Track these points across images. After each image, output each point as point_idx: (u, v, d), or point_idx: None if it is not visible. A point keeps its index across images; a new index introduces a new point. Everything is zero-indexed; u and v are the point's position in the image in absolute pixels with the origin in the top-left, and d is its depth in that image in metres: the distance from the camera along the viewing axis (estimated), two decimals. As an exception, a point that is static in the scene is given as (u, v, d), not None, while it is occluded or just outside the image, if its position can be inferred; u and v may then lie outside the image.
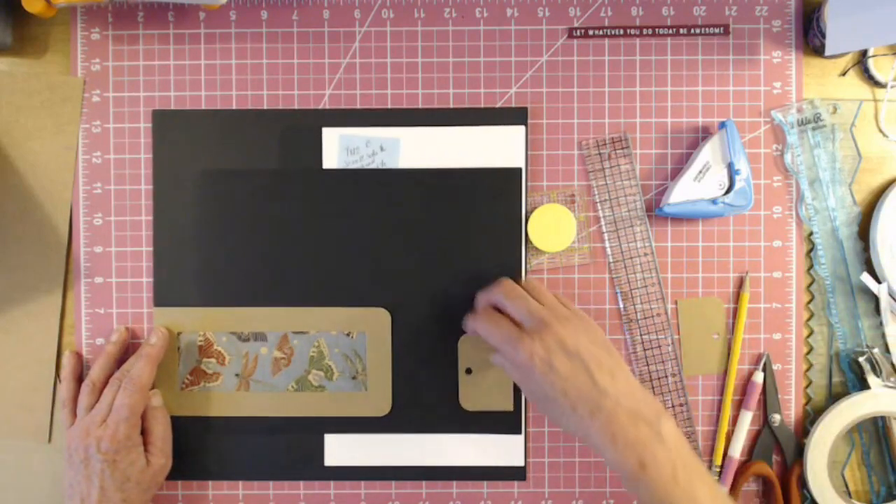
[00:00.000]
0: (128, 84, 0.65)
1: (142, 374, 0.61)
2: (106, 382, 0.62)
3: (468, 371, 0.64)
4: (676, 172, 0.65)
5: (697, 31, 0.65)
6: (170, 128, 0.65)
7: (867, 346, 0.64)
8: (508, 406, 0.65)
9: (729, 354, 0.65)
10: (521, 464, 0.65)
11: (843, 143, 0.64)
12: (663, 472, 0.49)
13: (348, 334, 0.65)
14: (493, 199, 0.64)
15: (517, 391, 0.65)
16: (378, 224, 0.65)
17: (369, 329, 0.65)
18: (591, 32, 0.65)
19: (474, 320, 0.60)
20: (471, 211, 0.64)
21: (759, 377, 0.64)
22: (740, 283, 0.65)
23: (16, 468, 0.66)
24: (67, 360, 0.64)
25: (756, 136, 0.65)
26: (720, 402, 0.65)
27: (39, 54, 0.66)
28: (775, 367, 0.65)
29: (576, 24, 0.65)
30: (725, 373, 0.65)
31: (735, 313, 0.65)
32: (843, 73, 0.65)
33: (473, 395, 0.65)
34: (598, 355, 0.54)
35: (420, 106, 0.65)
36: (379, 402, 0.65)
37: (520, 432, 0.65)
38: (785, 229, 0.65)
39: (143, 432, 0.62)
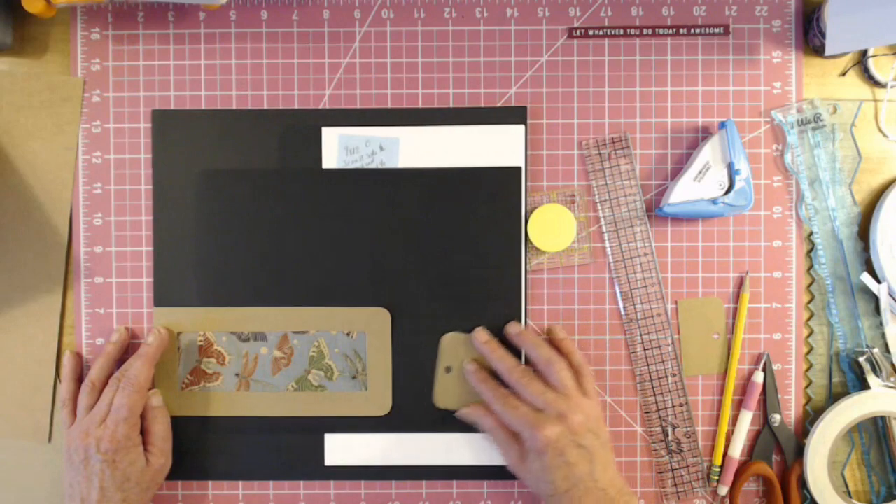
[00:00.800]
0: (128, 84, 0.65)
1: (139, 373, 0.61)
2: (106, 382, 0.62)
3: (447, 370, 0.64)
4: (676, 172, 0.65)
5: (697, 31, 0.65)
6: (169, 128, 0.65)
7: (867, 346, 0.64)
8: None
9: (729, 354, 0.65)
10: (521, 464, 0.65)
11: (843, 143, 0.64)
12: None
13: (348, 334, 0.65)
14: (493, 198, 0.64)
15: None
16: (378, 224, 0.65)
17: (369, 329, 0.65)
18: (591, 32, 0.65)
19: (493, 398, 0.61)
20: (471, 211, 0.64)
21: (759, 377, 0.64)
22: (740, 283, 0.65)
23: (16, 468, 0.66)
24: (67, 360, 0.64)
25: (756, 136, 0.65)
26: (720, 402, 0.65)
27: (39, 54, 0.66)
28: (775, 367, 0.65)
29: (576, 24, 0.65)
30: (725, 373, 0.65)
31: (735, 313, 0.65)
32: (843, 73, 0.65)
33: (454, 395, 0.65)
34: (598, 449, 0.59)
35: (420, 106, 0.65)
36: (379, 401, 0.65)
37: (520, 432, 0.65)
38: (785, 229, 0.65)
39: (143, 432, 0.62)
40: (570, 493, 0.58)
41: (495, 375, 0.63)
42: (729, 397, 0.65)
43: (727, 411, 0.65)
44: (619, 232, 0.65)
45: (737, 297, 0.65)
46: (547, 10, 0.65)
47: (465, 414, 0.64)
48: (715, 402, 0.65)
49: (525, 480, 0.61)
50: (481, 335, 0.63)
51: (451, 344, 0.64)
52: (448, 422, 0.65)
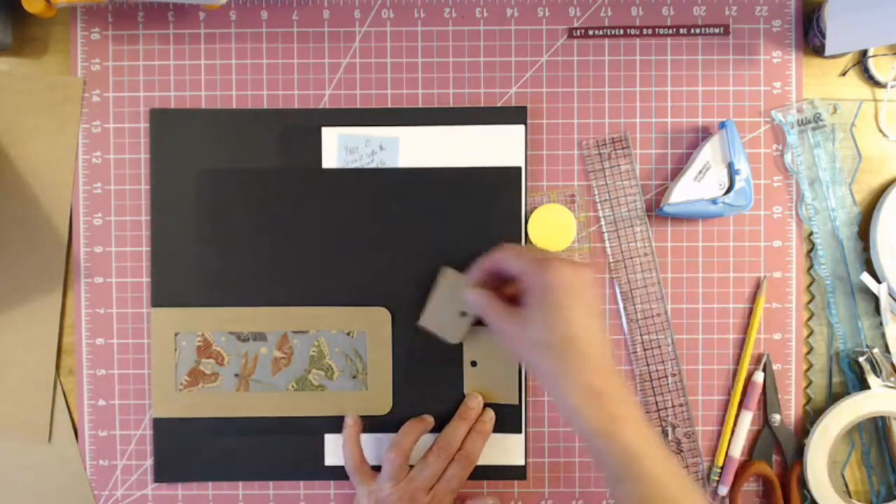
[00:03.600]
0: (128, 84, 0.65)
1: (475, 450, 0.63)
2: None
3: (473, 364, 0.64)
4: (676, 172, 0.65)
5: (697, 31, 0.65)
6: (168, 127, 0.65)
7: (867, 346, 0.64)
8: (514, 400, 0.65)
9: (739, 356, 0.65)
10: (522, 463, 0.65)
11: (843, 143, 0.64)
12: (639, 428, 0.51)
13: (348, 333, 0.65)
14: (493, 198, 0.64)
15: (521, 385, 0.65)
16: (377, 223, 0.65)
17: (369, 328, 0.65)
18: (591, 32, 0.65)
19: (501, 252, 0.56)
20: (471, 211, 0.64)
21: (759, 377, 0.64)
22: (741, 284, 0.65)
23: (16, 468, 0.66)
24: (354, 423, 0.64)
25: (756, 136, 0.65)
26: (720, 403, 0.65)
27: (39, 54, 0.66)
28: (775, 367, 0.65)
29: (576, 24, 0.65)
30: (727, 373, 0.65)
31: (733, 313, 0.65)
32: (843, 73, 0.65)
33: (479, 389, 0.65)
34: (601, 315, 0.55)
35: (420, 106, 0.65)
36: (379, 400, 0.65)
37: (521, 431, 0.65)
38: (785, 229, 0.65)
39: None
40: (566, 348, 0.52)
41: None
42: (737, 398, 0.64)
43: (733, 411, 0.65)
44: (619, 232, 0.65)
45: (737, 298, 0.65)
46: (547, 10, 0.65)
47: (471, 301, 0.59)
48: (715, 402, 0.65)
49: (521, 347, 0.54)
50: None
51: (474, 338, 0.64)
52: (447, 421, 0.65)
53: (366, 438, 0.65)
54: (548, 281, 0.53)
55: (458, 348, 0.65)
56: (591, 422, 0.50)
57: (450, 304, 0.63)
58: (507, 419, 0.65)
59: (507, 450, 0.65)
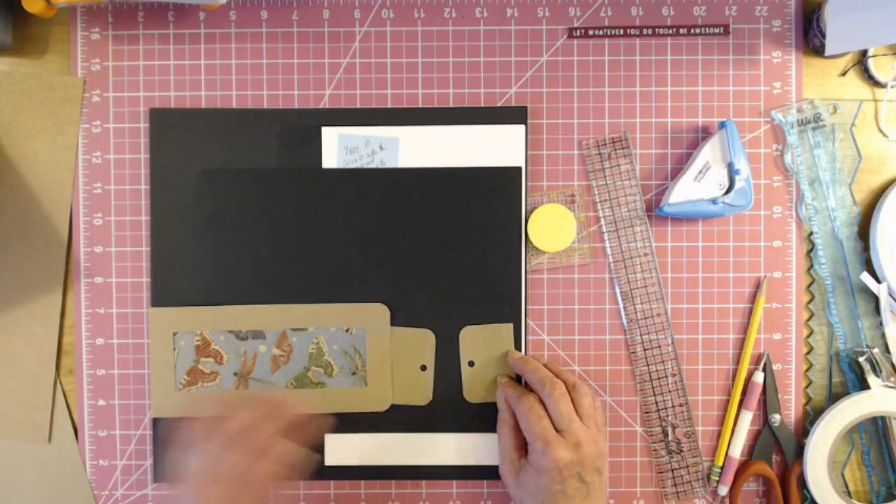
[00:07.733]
0: (128, 84, 0.65)
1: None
2: None
3: (471, 364, 0.64)
4: (676, 172, 0.65)
5: (697, 31, 0.65)
6: (168, 127, 0.65)
7: (867, 346, 0.64)
8: None
9: (739, 356, 0.65)
10: (521, 464, 0.65)
11: (843, 143, 0.64)
12: None
13: (347, 330, 0.65)
14: (493, 198, 0.64)
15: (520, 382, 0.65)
16: (377, 223, 0.65)
17: (368, 324, 0.65)
18: (591, 32, 0.65)
19: (518, 401, 0.60)
20: (471, 211, 0.64)
21: (759, 377, 0.64)
22: (741, 284, 0.65)
23: (16, 468, 0.66)
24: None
25: (756, 136, 0.65)
26: (720, 403, 0.65)
27: (39, 54, 0.66)
28: (775, 367, 0.65)
29: (576, 24, 0.65)
30: (727, 373, 0.65)
31: (733, 313, 0.65)
32: (843, 73, 0.65)
33: (476, 388, 0.65)
34: (597, 488, 0.58)
35: (420, 106, 0.65)
36: (379, 397, 0.65)
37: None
38: (785, 229, 0.65)
39: None
40: None
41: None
42: (737, 398, 0.64)
43: (733, 411, 0.65)
44: (619, 232, 0.65)
45: (737, 298, 0.65)
46: (547, 10, 0.65)
47: (502, 384, 0.63)
48: (715, 402, 0.65)
49: (512, 490, 0.60)
50: (514, 353, 0.64)
51: (469, 337, 0.64)
52: (448, 419, 0.65)
53: (366, 437, 0.65)
54: (546, 465, 0.57)
55: (456, 348, 0.65)
56: None
57: (410, 363, 0.64)
58: (507, 419, 0.65)
59: (506, 450, 0.65)
